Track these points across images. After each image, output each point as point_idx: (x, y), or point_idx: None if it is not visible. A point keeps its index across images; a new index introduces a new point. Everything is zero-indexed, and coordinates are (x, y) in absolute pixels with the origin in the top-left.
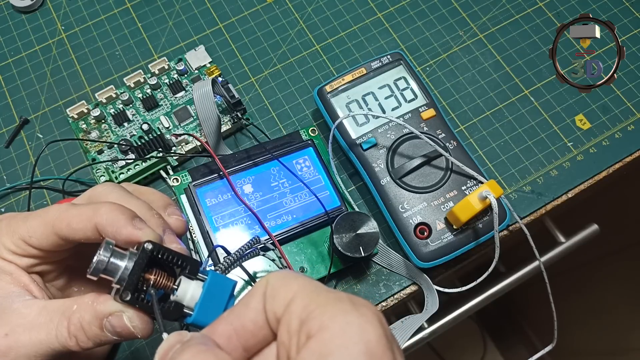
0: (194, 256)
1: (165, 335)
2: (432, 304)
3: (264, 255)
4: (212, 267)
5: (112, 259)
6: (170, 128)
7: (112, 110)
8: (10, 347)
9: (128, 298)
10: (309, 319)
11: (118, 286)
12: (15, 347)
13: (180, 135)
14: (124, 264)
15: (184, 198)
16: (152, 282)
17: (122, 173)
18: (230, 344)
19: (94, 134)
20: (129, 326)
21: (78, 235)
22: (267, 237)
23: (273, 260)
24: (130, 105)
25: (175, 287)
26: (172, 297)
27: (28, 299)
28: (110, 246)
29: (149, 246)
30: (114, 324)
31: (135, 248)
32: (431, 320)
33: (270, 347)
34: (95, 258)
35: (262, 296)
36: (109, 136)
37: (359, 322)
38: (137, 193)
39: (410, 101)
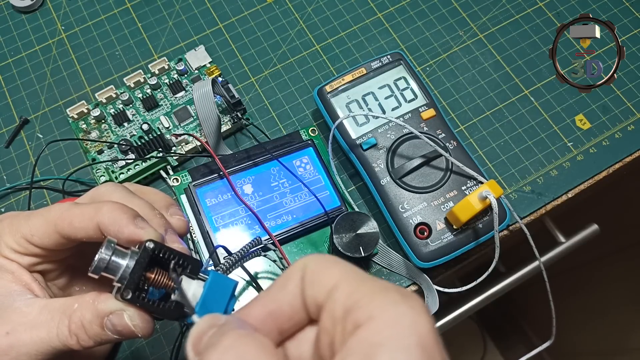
0: (194, 256)
1: (195, 317)
2: (432, 304)
3: (264, 255)
4: (213, 268)
5: (113, 258)
6: (170, 128)
7: (112, 110)
8: (12, 345)
9: (129, 297)
10: (354, 308)
11: (119, 285)
12: (17, 345)
13: (180, 135)
14: (125, 263)
15: (184, 198)
16: (153, 281)
17: (122, 173)
18: (265, 327)
19: (94, 134)
20: (129, 325)
21: (80, 234)
22: (268, 237)
23: (274, 260)
24: (130, 105)
25: (177, 286)
26: (173, 297)
27: (29, 298)
28: (112, 245)
29: (151, 245)
30: (114, 322)
31: (137, 247)
32: None
33: (304, 331)
34: (96, 256)
35: (300, 280)
36: (109, 136)
37: (411, 313)
38: (140, 193)
39: (410, 101)
